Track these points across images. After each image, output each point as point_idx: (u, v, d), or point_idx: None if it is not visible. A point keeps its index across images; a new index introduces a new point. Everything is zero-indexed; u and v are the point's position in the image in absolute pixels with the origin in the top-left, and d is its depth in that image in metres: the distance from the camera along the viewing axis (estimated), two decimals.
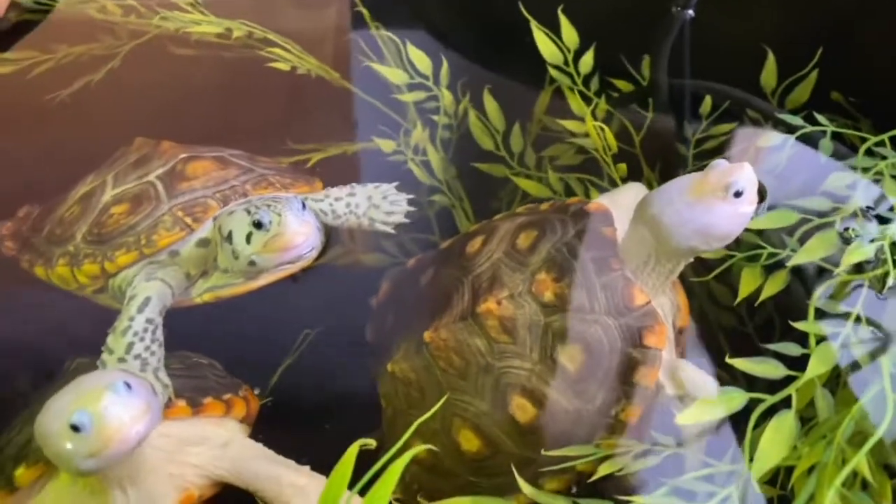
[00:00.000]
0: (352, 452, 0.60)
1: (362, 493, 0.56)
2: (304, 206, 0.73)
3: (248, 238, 0.71)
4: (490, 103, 1.00)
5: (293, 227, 0.70)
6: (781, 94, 0.95)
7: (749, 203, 0.64)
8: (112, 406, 0.56)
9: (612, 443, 0.66)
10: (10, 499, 0.66)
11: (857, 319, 0.69)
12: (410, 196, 0.85)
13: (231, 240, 0.72)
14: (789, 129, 0.88)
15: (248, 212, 0.71)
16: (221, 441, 0.70)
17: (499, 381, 0.68)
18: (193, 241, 0.76)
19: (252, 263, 0.72)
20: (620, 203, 0.75)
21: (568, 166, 0.94)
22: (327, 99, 1.06)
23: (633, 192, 0.77)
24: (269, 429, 0.74)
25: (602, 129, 0.94)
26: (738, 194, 0.63)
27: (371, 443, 0.61)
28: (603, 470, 0.65)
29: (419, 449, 0.59)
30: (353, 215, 0.82)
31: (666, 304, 0.72)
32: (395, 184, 0.85)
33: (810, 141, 0.88)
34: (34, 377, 0.78)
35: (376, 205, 0.83)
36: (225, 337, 0.83)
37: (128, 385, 0.58)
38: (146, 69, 1.09)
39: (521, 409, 0.67)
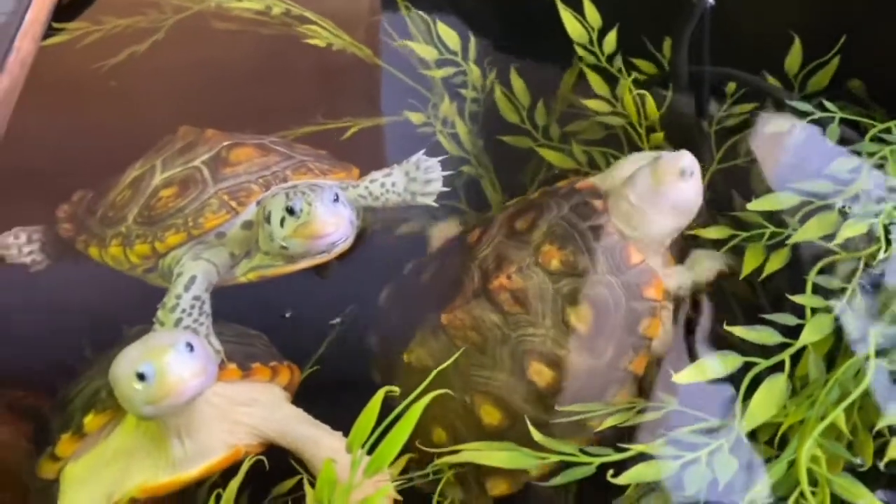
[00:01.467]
0: (377, 400, 0.66)
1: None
2: (337, 197, 0.76)
3: (282, 222, 0.74)
4: (516, 80, 1.05)
5: (322, 216, 0.73)
6: (803, 79, 0.98)
7: (698, 179, 0.77)
8: (173, 362, 0.63)
9: (625, 395, 0.73)
10: (80, 443, 0.73)
11: (852, 293, 0.73)
12: (440, 158, 0.86)
13: (269, 221, 0.76)
14: (802, 115, 0.92)
15: (287, 196, 0.75)
16: (268, 404, 0.76)
17: (515, 349, 0.75)
18: (238, 224, 0.80)
19: (283, 248, 0.76)
20: (618, 177, 0.81)
21: (591, 140, 0.98)
22: (359, 75, 1.11)
23: (629, 166, 0.82)
24: (305, 403, 0.79)
25: (640, 96, 0.97)
26: (690, 174, 0.75)
27: (395, 390, 0.67)
28: (608, 423, 0.70)
29: (435, 393, 0.65)
30: (392, 194, 0.84)
31: (659, 264, 0.78)
32: (420, 152, 0.87)
33: (822, 127, 0.91)
34: (97, 341, 0.84)
35: (413, 178, 0.85)
36: (267, 315, 0.88)
37: (190, 346, 0.65)
38: (188, 42, 1.14)
39: (539, 373, 0.74)
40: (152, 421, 0.69)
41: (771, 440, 0.67)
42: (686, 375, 0.68)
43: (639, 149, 0.95)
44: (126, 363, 0.64)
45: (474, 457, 0.70)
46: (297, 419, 0.76)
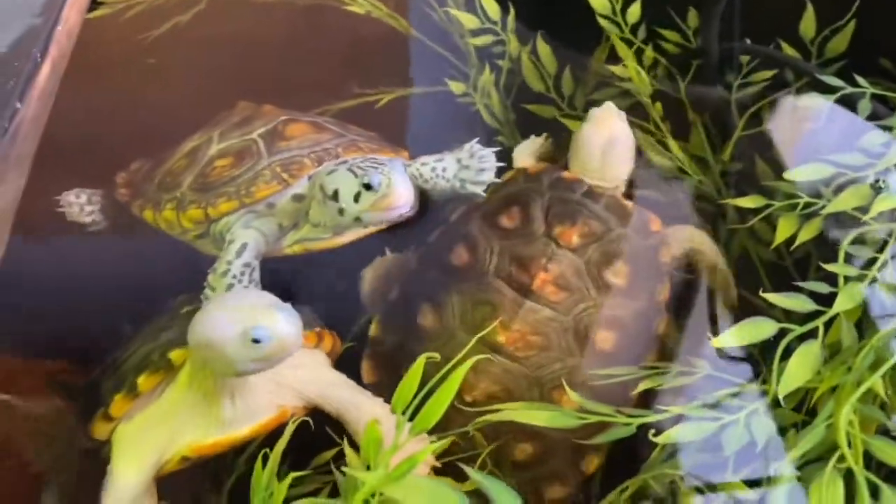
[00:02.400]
0: (419, 364, 0.68)
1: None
2: (404, 169, 0.79)
3: (357, 197, 0.77)
4: (542, 47, 1.06)
5: (400, 189, 0.76)
6: (820, 44, 0.99)
7: (623, 119, 0.89)
8: (283, 322, 0.65)
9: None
10: (133, 404, 0.75)
11: (883, 263, 0.75)
12: (497, 149, 0.88)
13: (337, 198, 0.78)
14: (832, 90, 0.93)
15: (354, 173, 0.77)
16: (313, 367, 0.79)
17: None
18: (289, 196, 0.83)
19: (358, 220, 0.78)
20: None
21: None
22: (393, 45, 1.12)
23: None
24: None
25: (638, 71, 1.00)
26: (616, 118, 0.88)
27: (435, 356, 0.69)
28: (644, 385, 0.73)
29: (477, 358, 0.67)
30: (441, 179, 0.86)
31: None
32: (475, 140, 0.88)
33: (849, 101, 0.92)
34: (145, 309, 0.86)
35: (466, 165, 0.86)
36: (310, 289, 0.90)
37: (290, 308, 0.67)
38: (228, 12, 1.15)
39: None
40: (206, 382, 0.71)
41: (798, 406, 0.69)
42: (724, 340, 0.70)
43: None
44: (230, 325, 0.65)
45: (516, 415, 0.71)
46: (340, 384, 0.79)
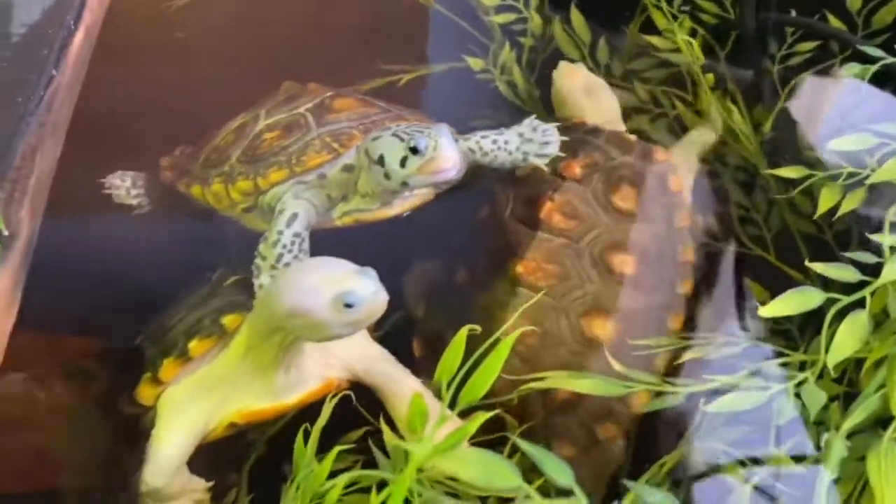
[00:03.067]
0: (461, 336, 0.68)
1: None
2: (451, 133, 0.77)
3: (403, 162, 0.75)
4: (576, 16, 1.05)
5: (447, 152, 0.74)
6: (867, 16, 0.98)
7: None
8: (374, 289, 0.65)
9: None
10: (182, 368, 0.75)
11: None
12: (557, 124, 0.86)
13: (383, 163, 0.76)
14: (871, 59, 0.91)
15: (400, 138, 0.76)
16: (359, 340, 0.78)
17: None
18: (339, 166, 0.82)
19: (404, 184, 0.77)
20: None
21: (654, 79, 0.99)
22: (416, 21, 1.11)
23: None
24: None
25: (690, 42, 0.98)
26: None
27: (476, 328, 0.68)
28: (690, 354, 0.73)
29: (522, 330, 0.66)
30: (503, 151, 0.84)
31: None
32: (533, 116, 0.87)
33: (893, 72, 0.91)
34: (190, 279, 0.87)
35: (529, 139, 0.84)
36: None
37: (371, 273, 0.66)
38: None
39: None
40: (265, 350, 0.71)
41: (840, 377, 0.69)
42: (773, 309, 0.70)
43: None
44: (316, 292, 0.65)
45: (560, 383, 0.72)
46: (383, 358, 0.79)
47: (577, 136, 0.87)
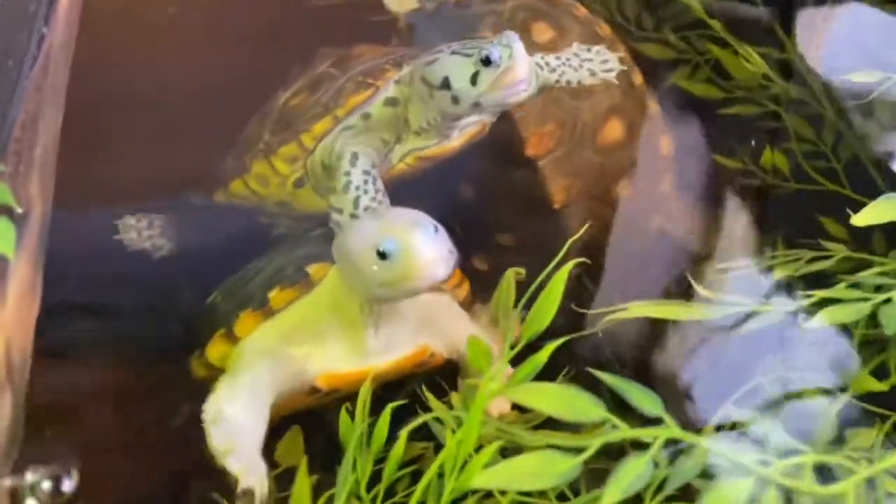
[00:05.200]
0: (509, 275, 0.64)
1: None
2: None
3: (475, 78, 0.69)
4: None
5: (522, 59, 0.69)
6: None
7: None
8: (420, 242, 0.57)
9: None
10: (260, 321, 0.68)
11: None
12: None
13: (448, 85, 0.71)
14: None
15: (464, 54, 0.70)
16: (451, 308, 0.72)
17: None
18: (381, 100, 0.76)
19: (476, 106, 0.71)
20: None
21: (683, 25, 0.97)
22: None
23: None
24: None
25: None
26: None
27: (521, 272, 0.64)
28: (779, 272, 0.71)
29: (576, 261, 0.63)
30: (568, 67, 0.81)
31: None
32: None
33: None
34: None
35: (588, 58, 0.82)
36: None
37: (435, 228, 0.59)
38: None
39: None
40: (352, 304, 0.65)
41: None
42: (864, 218, 0.68)
43: None
44: (364, 237, 0.59)
45: (647, 311, 0.69)
46: (472, 328, 0.71)
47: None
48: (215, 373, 0.69)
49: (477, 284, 0.75)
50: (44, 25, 0.78)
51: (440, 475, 0.55)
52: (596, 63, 0.82)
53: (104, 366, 0.79)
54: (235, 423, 0.63)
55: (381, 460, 0.61)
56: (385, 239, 0.58)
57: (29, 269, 0.71)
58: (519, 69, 0.69)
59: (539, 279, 0.61)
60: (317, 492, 0.64)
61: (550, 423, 0.60)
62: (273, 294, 0.67)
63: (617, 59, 0.83)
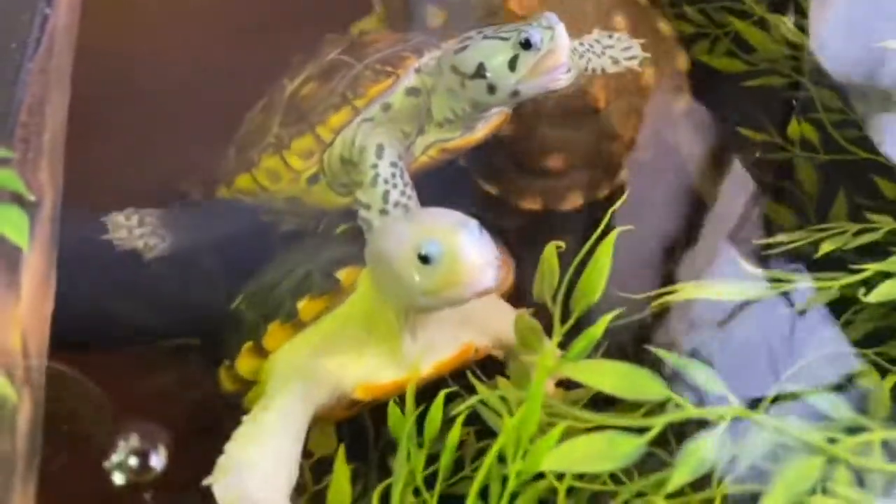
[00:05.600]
0: (549, 250, 0.60)
1: None
2: None
3: (513, 63, 0.65)
4: None
5: (564, 40, 0.65)
6: None
7: None
8: (466, 244, 0.53)
9: None
10: (290, 333, 0.65)
11: None
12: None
13: (483, 73, 0.66)
14: None
15: (500, 38, 0.66)
16: (493, 299, 0.69)
17: None
18: (402, 90, 0.72)
19: (515, 94, 0.67)
20: None
21: None
22: None
23: None
24: None
25: None
26: None
27: (561, 244, 0.61)
28: (826, 246, 0.69)
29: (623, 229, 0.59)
30: (593, 53, 0.77)
31: None
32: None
33: None
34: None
35: (609, 45, 0.79)
36: None
37: (480, 227, 0.55)
38: None
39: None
40: (386, 311, 0.61)
41: None
42: None
43: None
44: (401, 240, 0.55)
45: (694, 292, 0.68)
46: (513, 313, 0.68)
47: None
48: (246, 387, 0.67)
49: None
50: (46, 6, 0.74)
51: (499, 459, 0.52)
52: (617, 50, 0.79)
53: None
54: (261, 473, 0.57)
55: None
56: (426, 241, 0.53)
57: (42, 261, 0.67)
58: (561, 52, 0.65)
59: (583, 250, 0.57)
60: (353, 482, 0.61)
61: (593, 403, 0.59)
62: (302, 304, 0.63)
63: (639, 46, 0.80)
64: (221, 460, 0.57)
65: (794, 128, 0.88)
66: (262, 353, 0.65)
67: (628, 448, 0.51)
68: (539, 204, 0.88)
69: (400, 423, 0.58)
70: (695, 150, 0.92)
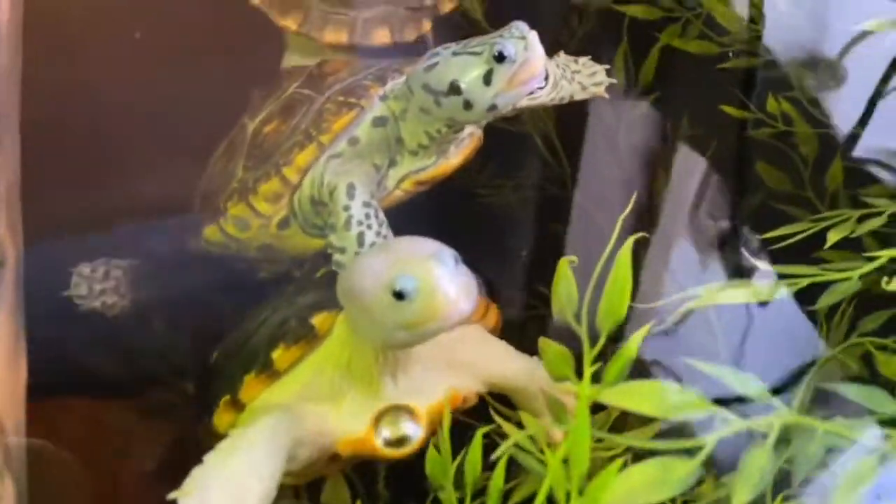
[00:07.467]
0: (562, 265, 0.57)
1: None
2: None
3: (488, 77, 0.62)
4: None
5: (538, 49, 0.62)
6: None
7: None
8: (441, 276, 0.50)
9: None
10: (266, 384, 0.61)
11: None
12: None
13: (458, 90, 0.63)
14: None
15: (471, 53, 0.63)
16: (480, 339, 0.66)
17: None
18: (368, 121, 0.68)
19: (492, 108, 0.64)
20: None
21: None
22: None
23: None
24: None
25: None
26: None
27: (574, 259, 0.58)
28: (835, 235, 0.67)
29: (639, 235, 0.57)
30: (563, 79, 0.76)
31: None
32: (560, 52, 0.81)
33: None
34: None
35: (576, 70, 0.78)
36: None
37: (454, 257, 0.53)
38: None
39: None
40: (365, 353, 0.58)
41: None
42: None
43: None
44: (374, 276, 0.52)
45: (715, 298, 0.65)
46: (509, 354, 0.66)
47: None
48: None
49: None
50: None
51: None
52: (584, 76, 0.78)
53: None
54: (231, 488, 0.52)
55: None
56: (400, 276, 0.50)
57: (11, 327, 0.61)
58: (536, 62, 0.62)
59: (599, 265, 0.53)
60: None
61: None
62: (276, 354, 0.59)
63: (604, 71, 0.79)
64: (194, 473, 0.53)
65: (773, 104, 0.86)
66: (239, 406, 0.60)
67: (683, 472, 0.48)
68: (344, 37, 0.82)
69: (438, 466, 0.55)
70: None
